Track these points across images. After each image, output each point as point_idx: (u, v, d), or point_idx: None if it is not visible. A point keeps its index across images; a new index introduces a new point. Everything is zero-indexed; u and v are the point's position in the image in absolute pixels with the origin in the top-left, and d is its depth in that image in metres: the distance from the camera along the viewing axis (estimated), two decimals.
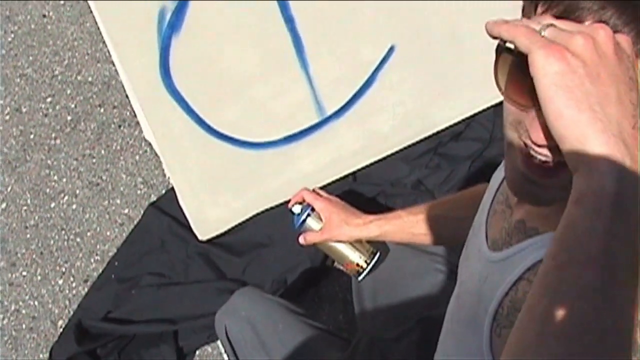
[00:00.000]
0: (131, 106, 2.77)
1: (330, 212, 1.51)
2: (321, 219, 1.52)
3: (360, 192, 2.36)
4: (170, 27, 1.83)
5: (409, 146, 2.35)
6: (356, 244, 1.52)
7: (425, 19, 2.12)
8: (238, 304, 1.72)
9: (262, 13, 1.91)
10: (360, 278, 1.53)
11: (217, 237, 2.30)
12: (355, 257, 1.51)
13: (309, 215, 1.53)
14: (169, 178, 2.56)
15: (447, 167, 2.37)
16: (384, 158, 2.34)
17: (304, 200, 1.55)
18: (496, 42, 0.72)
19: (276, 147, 2.18)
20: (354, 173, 2.36)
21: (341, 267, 1.64)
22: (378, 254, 1.52)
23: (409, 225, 1.47)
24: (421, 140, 2.36)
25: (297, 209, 1.57)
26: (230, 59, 1.97)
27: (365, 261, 1.51)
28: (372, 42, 2.12)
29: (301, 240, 1.54)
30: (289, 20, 1.96)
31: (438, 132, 2.37)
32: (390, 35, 2.12)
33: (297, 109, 2.13)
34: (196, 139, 2.06)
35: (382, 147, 2.31)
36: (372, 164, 2.34)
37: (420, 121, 2.31)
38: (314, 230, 1.53)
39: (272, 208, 2.28)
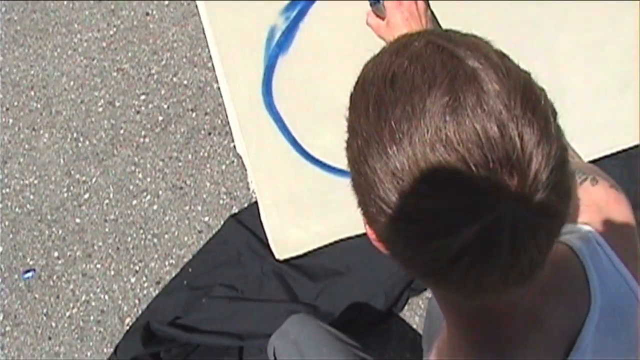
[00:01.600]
0: (223, 115, 2.79)
1: (391, 15, 1.54)
2: None
3: None
4: (278, 47, 1.83)
5: None
6: None
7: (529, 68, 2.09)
8: (289, 328, 1.78)
9: (369, 43, 1.90)
10: None
11: (294, 258, 2.29)
12: None
13: (383, 1, 1.57)
14: (252, 192, 2.56)
15: None
16: None
17: None
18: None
19: None
20: None
21: None
22: None
23: None
24: None
25: None
26: (333, 84, 1.96)
27: None
28: None
29: (367, 19, 1.64)
30: None
31: None
32: None
33: None
34: (288, 159, 2.06)
35: None
36: None
37: None
38: (380, 18, 1.59)
39: (352, 237, 2.27)
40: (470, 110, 0.70)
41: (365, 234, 2.25)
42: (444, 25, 1.73)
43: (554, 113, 0.76)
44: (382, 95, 0.76)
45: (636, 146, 2.46)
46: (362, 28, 1.83)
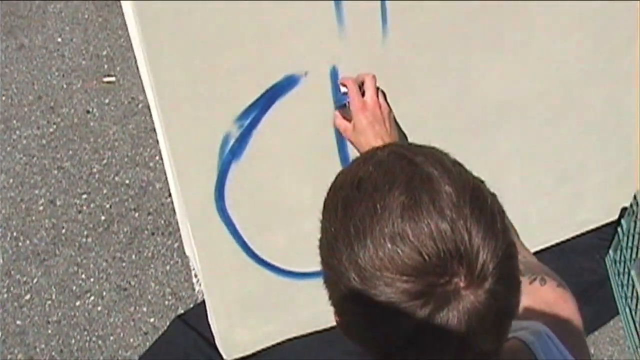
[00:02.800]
0: (166, 215, 2.80)
1: (357, 119, 1.66)
2: None
3: None
4: (231, 153, 1.87)
5: None
6: None
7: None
8: None
9: (321, 150, 1.96)
10: None
11: (243, 358, 2.30)
12: None
13: (348, 104, 1.68)
14: (198, 292, 2.57)
15: None
16: None
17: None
18: None
19: (314, 278, 2.19)
20: None
21: None
22: None
23: None
24: None
25: (344, 88, 1.72)
26: (284, 190, 2.01)
27: None
28: None
29: (335, 121, 1.78)
30: (345, 159, 2.01)
31: None
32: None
33: None
34: (238, 262, 2.08)
35: None
36: None
37: None
38: (346, 119, 1.71)
39: (300, 337, 2.29)
40: (425, 209, 0.78)
41: (313, 333, 2.29)
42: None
43: (501, 212, 0.84)
44: (349, 196, 0.85)
45: (571, 238, 2.57)
46: (313, 137, 1.90)
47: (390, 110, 1.72)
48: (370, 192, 0.82)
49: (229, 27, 1.62)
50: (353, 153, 1.99)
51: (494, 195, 0.85)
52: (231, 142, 1.84)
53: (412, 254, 0.77)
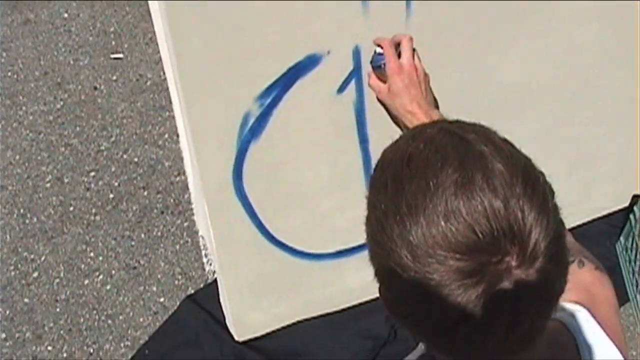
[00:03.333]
0: (175, 194, 2.79)
1: (393, 81, 1.65)
2: None
3: None
4: (251, 132, 1.85)
5: None
6: None
7: None
8: None
9: (340, 129, 1.95)
10: None
11: (254, 339, 2.29)
12: None
13: (384, 65, 1.65)
14: (208, 272, 2.56)
15: None
16: None
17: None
18: None
19: (328, 259, 2.19)
20: None
21: None
22: None
23: None
24: None
25: (379, 49, 1.69)
26: (302, 170, 1.99)
27: None
28: None
29: (369, 80, 1.77)
30: (364, 141, 1.99)
31: None
32: None
33: (354, 224, 2.14)
34: (253, 242, 2.07)
35: None
36: None
37: None
38: (381, 80, 1.70)
39: (312, 318, 2.28)
40: (478, 186, 0.78)
41: (324, 315, 2.28)
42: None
43: (552, 192, 0.84)
44: (400, 173, 0.84)
45: (582, 224, 2.56)
46: (333, 117, 1.88)
47: (426, 74, 1.71)
48: (422, 169, 0.82)
49: (251, 5, 1.60)
50: (372, 133, 1.98)
51: (543, 174, 0.85)
52: (251, 121, 1.83)
53: (466, 231, 0.77)
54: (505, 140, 0.87)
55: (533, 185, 0.80)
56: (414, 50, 1.67)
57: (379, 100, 1.79)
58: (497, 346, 0.82)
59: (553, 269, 0.79)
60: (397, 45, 1.68)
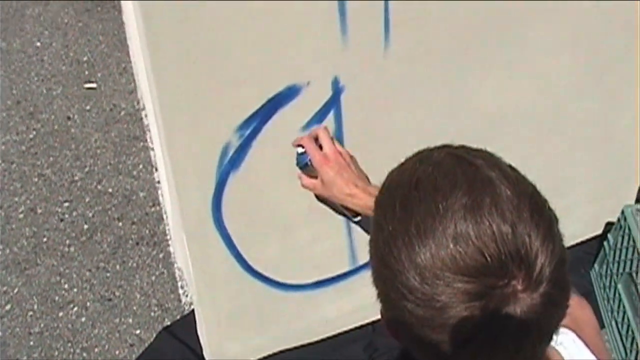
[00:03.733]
0: (150, 225, 2.77)
1: (323, 173, 1.68)
2: None
3: (377, 345, 2.36)
4: (230, 163, 1.85)
5: None
6: None
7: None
8: None
9: None
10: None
11: None
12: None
13: (310, 162, 1.67)
14: (184, 304, 2.54)
15: None
16: None
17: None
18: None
19: (305, 290, 2.19)
20: (373, 323, 2.37)
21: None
22: None
23: None
24: None
25: (300, 149, 1.71)
26: (280, 201, 1.99)
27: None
28: None
29: (301, 182, 1.79)
30: None
31: None
32: None
33: (331, 256, 2.15)
34: (231, 273, 2.06)
35: None
36: None
37: None
38: (312, 176, 1.73)
39: (290, 349, 2.27)
40: (487, 211, 0.80)
41: (302, 346, 2.27)
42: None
43: (556, 219, 0.86)
44: (408, 196, 0.85)
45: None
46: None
47: (352, 155, 1.75)
48: (431, 192, 0.83)
49: (232, 36, 1.60)
50: None
51: (547, 201, 0.87)
52: (231, 152, 1.82)
53: (475, 254, 0.78)
54: (511, 167, 0.88)
55: (539, 211, 0.82)
56: (332, 137, 1.72)
57: (316, 197, 1.86)
58: None
59: (556, 294, 0.81)
60: (316, 140, 1.72)
